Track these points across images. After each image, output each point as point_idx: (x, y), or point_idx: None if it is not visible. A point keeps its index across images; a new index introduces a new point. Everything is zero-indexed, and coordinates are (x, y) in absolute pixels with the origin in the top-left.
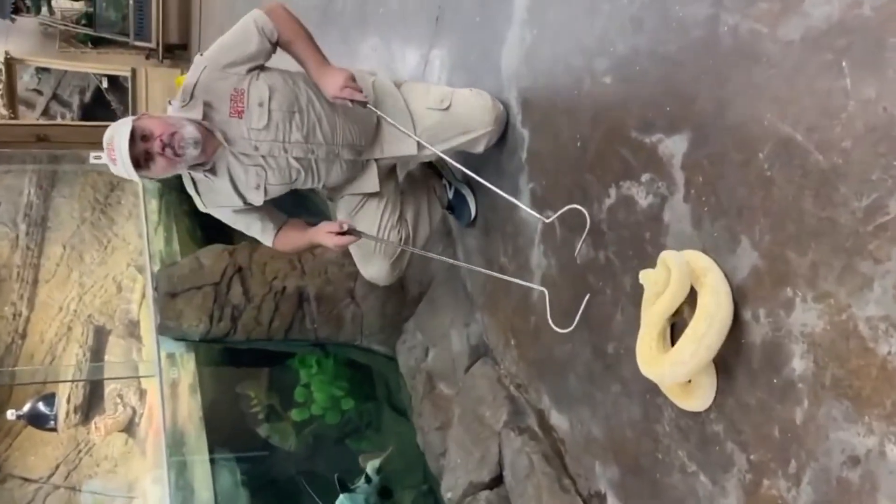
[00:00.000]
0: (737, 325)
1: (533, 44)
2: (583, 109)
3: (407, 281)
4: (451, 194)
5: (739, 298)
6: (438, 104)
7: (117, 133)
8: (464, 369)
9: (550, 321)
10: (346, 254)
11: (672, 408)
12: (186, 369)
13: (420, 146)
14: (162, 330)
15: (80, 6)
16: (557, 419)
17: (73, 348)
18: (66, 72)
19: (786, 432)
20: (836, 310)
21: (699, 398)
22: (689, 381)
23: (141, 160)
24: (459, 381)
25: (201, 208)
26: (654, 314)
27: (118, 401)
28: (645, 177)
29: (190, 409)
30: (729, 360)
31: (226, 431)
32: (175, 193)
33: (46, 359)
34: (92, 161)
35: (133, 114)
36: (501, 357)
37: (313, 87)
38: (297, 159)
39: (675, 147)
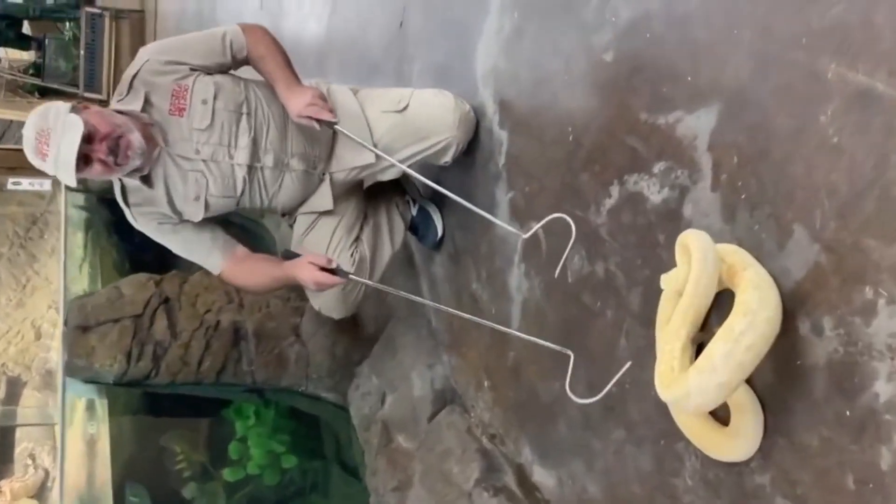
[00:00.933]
0: (789, 342)
1: (513, 31)
2: (576, 97)
3: (361, 317)
4: (414, 212)
5: (793, 307)
6: (394, 106)
7: (59, 127)
8: (427, 418)
9: (569, 390)
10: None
11: (696, 455)
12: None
13: (380, 156)
14: (70, 370)
15: (28, 56)
16: (542, 475)
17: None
18: (11, 122)
19: (865, 482)
20: None
21: (740, 443)
22: (727, 424)
23: (79, 161)
24: (422, 433)
25: (133, 223)
26: (675, 321)
27: (29, 462)
28: (658, 166)
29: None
30: (778, 389)
31: (142, 494)
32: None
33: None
34: (10, 187)
35: None
36: (472, 403)
37: (269, 93)
38: (242, 167)
39: (698, 125)
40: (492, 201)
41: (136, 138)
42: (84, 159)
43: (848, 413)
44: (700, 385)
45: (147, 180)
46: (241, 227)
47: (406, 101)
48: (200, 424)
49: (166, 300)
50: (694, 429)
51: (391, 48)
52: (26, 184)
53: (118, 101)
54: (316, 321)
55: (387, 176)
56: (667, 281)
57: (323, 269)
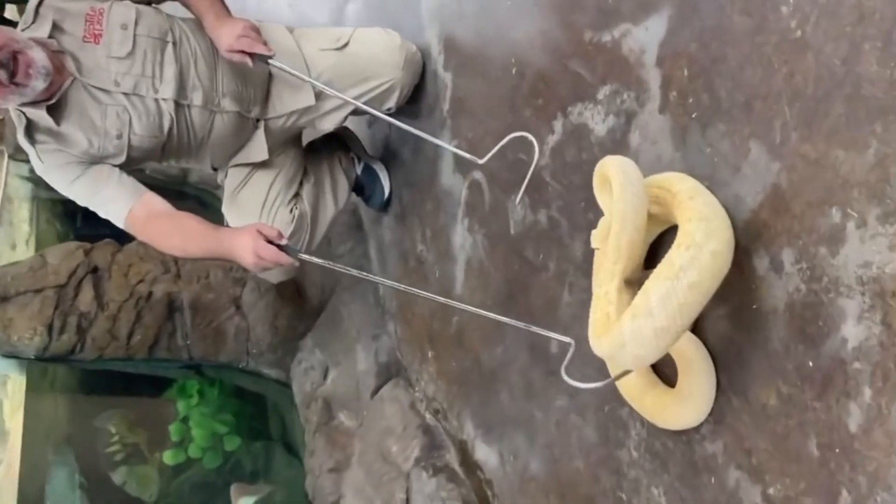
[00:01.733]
0: (745, 284)
1: None
2: (519, 25)
3: (305, 286)
4: (359, 170)
5: (750, 241)
6: (334, 44)
7: None
8: (370, 393)
9: (564, 373)
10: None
11: (643, 423)
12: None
13: (318, 97)
14: None
15: None
16: (484, 453)
17: None
18: None
19: (830, 447)
20: None
21: (688, 407)
22: (674, 387)
23: None
24: (364, 409)
25: (38, 169)
26: (607, 258)
27: None
28: (603, 91)
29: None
30: (732, 340)
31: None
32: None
33: None
34: None
35: None
36: (417, 376)
37: (195, 26)
38: (168, 102)
39: (646, 37)
40: (437, 153)
41: (38, 56)
42: None
43: (811, 364)
44: (635, 331)
45: (55, 112)
46: (197, 199)
47: (346, 39)
48: (141, 404)
49: (95, 270)
50: (636, 393)
51: None
52: None
53: (22, 29)
54: (257, 292)
55: (326, 123)
56: (597, 236)
57: (269, 242)
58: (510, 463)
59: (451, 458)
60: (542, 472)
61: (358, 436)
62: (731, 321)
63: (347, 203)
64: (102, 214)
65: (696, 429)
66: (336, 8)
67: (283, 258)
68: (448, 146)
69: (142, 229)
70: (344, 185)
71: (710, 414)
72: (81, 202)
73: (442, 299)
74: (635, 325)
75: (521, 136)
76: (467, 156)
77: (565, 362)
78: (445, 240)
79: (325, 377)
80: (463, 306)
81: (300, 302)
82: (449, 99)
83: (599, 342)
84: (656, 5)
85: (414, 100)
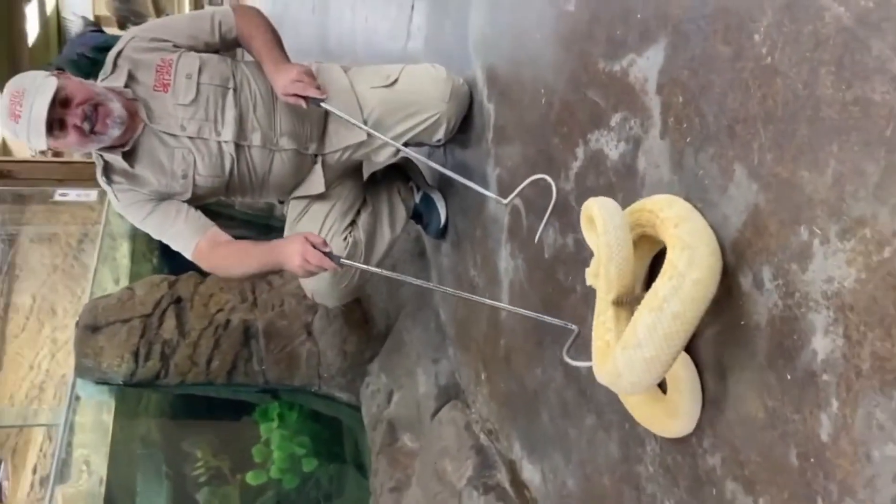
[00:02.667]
0: (733, 302)
1: None
2: (546, 55)
3: (371, 313)
4: (418, 198)
5: (736, 260)
6: (384, 81)
7: (34, 88)
8: (430, 415)
9: (566, 354)
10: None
11: (656, 440)
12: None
13: (370, 134)
14: (80, 371)
15: None
16: (530, 472)
17: (45, 413)
18: None
19: (806, 456)
20: (874, 244)
21: (676, 422)
22: (666, 394)
23: (54, 126)
24: (425, 431)
25: (115, 206)
26: (600, 289)
27: (83, 468)
28: (616, 118)
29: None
30: (724, 356)
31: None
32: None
33: (16, 422)
34: (58, 198)
35: None
36: (473, 397)
37: (256, 71)
38: (229, 144)
39: (648, 65)
40: (484, 181)
41: (115, 107)
42: (59, 124)
43: (789, 377)
44: (627, 362)
45: (129, 158)
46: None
47: (395, 76)
48: (224, 428)
49: (178, 300)
50: (633, 404)
51: (400, 37)
52: (74, 195)
53: (102, 79)
54: (326, 319)
55: (381, 156)
56: (590, 273)
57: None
58: (551, 481)
59: (502, 477)
60: (576, 489)
61: (419, 457)
62: (722, 338)
63: (406, 231)
64: (173, 247)
65: (699, 443)
66: (402, 44)
67: (327, 262)
68: (476, 187)
69: (206, 259)
70: (401, 213)
71: (710, 428)
72: (154, 235)
73: (487, 301)
74: (626, 356)
75: (541, 178)
76: (492, 196)
77: (567, 346)
78: (493, 265)
79: (389, 400)
80: (509, 307)
81: (367, 328)
82: (493, 128)
83: (599, 372)
84: (655, 36)
85: (464, 130)
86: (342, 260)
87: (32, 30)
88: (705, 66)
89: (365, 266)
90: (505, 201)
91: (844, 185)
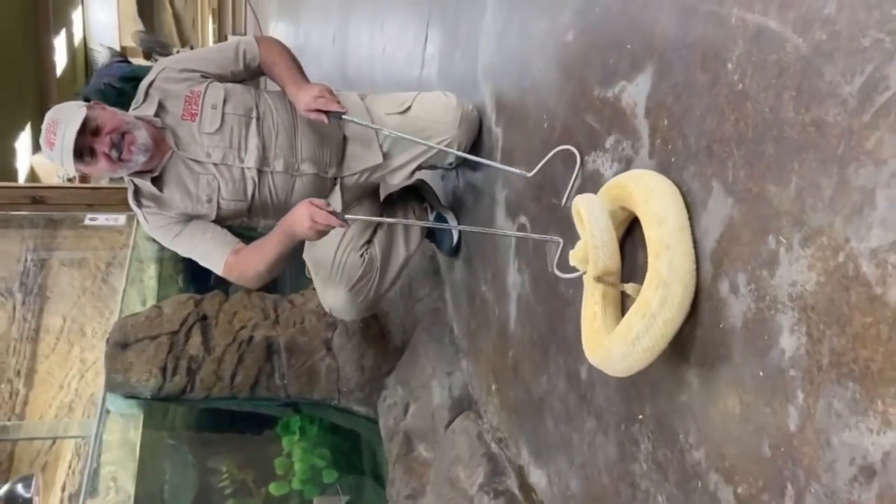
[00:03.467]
0: (712, 306)
1: (504, 25)
2: (548, 81)
3: (388, 328)
4: (431, 217)
5: (715, 267)
6: (398, 107)
7: (66, 117)
8: (444, 426)
9: (555, 268)
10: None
11: (649, 438)
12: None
13: (386, 156)
14: (110, 386)
15: None
16: (537, 476)
17: (73, 428)
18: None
19: (777, 446)
20: (830, 251)
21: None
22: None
23: (84, 154)
24: (439, 441)
25: (145, 227)
26: (588, 272)
27: (111, 485)
28: (610, 141)
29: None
30: (705, 356)
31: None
32: (173, 258)
33: (46, 442)
34: (87, 222)
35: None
36: (485, 408)
37: (278, 100)
38: (251, 170)
39: (637, 92)
40: (493, 200)
41: (140, 135)
42: (90, 152)
43: (761, 374)
44: (623, 354)
45: (158, 182)
46: None
47: (409, 103)
48: (248, 441)
49: (204, 318)
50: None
51: (415, 65)
52: (102, 219)
53: (134, 108)
54: (345, 335)
55: (396, 178)
56: (573, 256)
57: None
58: (556, 484)
59: (511, 483)
60: (579, 490)
61: (434, 466)
62: (704, 340)
63: (422, 250)
64: (202, 264)
65: (686, 438)
66: (417, 72)
67: (333, 220)
68: (499, 165)
69: (235, 270)
70: (416, 232)
71: (695, 423)
72: (183, 254)
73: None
74: (623, 350)
75: (566, 150)
76: (516, 171)
77: (555, 259)
78: (502, 280)
79: (405, 412)
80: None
81: (384, 343)
82: (500, 150)
83: (592, 355)
84: (643, 64)
85: (474, 152)
86: (346, 217)
87: (61, 61)
88: (687, 92)
89: (371, 218)
90: (529, 174)
91: (805, 197)
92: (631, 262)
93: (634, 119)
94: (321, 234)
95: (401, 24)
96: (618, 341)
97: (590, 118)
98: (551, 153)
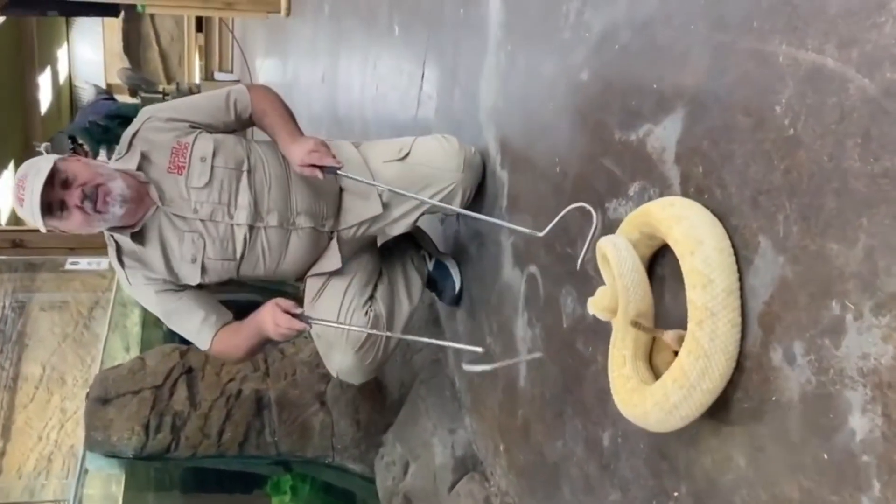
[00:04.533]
0: (763, 376)
1: (508, 65)
2: (559, 124)
3: (385, 381)
4: (431, 266)
5: (765, 333)
6: (396, 154)
7: (33, 170)
8: (447, 488)
9: (465, 365)
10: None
11: None
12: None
13: (386, 206)
14: (90, 444)
15: None
16: None
17: (53, 484)
18: None
19: None
20: None
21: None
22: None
23: (55, 208)
24: None
25: (126, 288)
26: (617, 325)
27: None
28: (634, 188)
29: None
30: (756, 434)
31: None
32: None
33: (23, 496)
34: (69, 266)
35: None
36: (491, 469)
37: (269, 150)
38: (241, 227)
39: (666, 136)
40: (499, 247)
41: (116, 186)
42: (60, 206)
43: (826, 456)
44: (660, 420)
45: (139, 238)
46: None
47: (408, 149)
48: (238, 502)
49: (189, 370)
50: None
51: (410, 106)
52: (84, 263)
53: (116, 159)
54: (339, 388)
55: (396, 230)
56: (594, 304)
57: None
58: None
59: None
60: None
61: None
62: (754, 413)
63: (422, 299)
64: (187, 338)
65: None
66: (413, 113)
67: (296, 324)
68: (507, 224)
69: (219, 355)
70: (417, 282)
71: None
72: (164, 321)
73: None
74: (661, 416)
75: (580, 207)
76: (525, 231)
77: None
78: (509, 333)
79: (405, 472)
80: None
81: (381, 396)
82: (506, 195)
83: (627, 410)
84: (672, 106)
85: (477, 199)
86: (311, 320)
87: (45, 98)
88: (726, 137)
89: (337, 324)
90: (540, 234)
91: (877, 259)
92: (656, 299)
93: (662, 165)
94: (287, 336)
95: (395, 61)
96: (654, 409)
97: (609, 163)
98: (565, 211)
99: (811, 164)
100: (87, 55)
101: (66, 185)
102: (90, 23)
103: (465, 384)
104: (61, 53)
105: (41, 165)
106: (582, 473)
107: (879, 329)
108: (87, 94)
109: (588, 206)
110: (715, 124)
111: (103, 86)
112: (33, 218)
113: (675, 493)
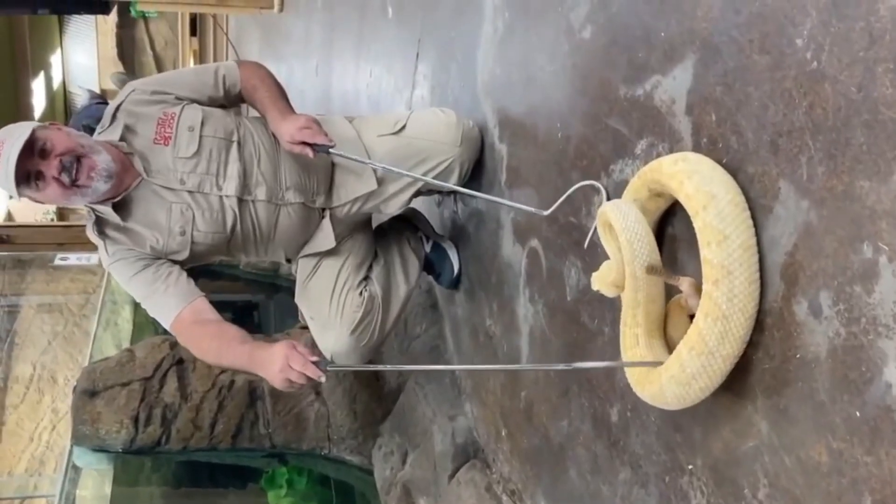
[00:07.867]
0: (785, 333)
1: (505, 32)
2: (560, 86)
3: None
4: (428, 248)
5: (787, 285)
6: (391, 128)
7: (10, 137)
8: (448, 476)
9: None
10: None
11: (703, 492)
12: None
13: (381, 182)
14: (77, 438)
15: None
16: None
17: (45, 485)
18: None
19: (883, 502)
20: None
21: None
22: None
23: (32, 177)
24: (442, 494)
25: (104, 262)
26: (626, 306)
27: None
28: (641, 145)
29: None
30: (778, 395)
31: None
32: None
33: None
34: (57, 262)
35: None
36: (493, 455)
37: (259, 124)
38: (231, 199)
39: (675, 86)
40: (498, 224)
41: (102, 160)
42: (37, 175)
43: (857, 414)
44: (678, 395)
45: (121, 210)
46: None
47: (403, 122)
48: (229, 496)
49: (180, 361)
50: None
51: (405, 88)
52: (73, 259)
53: (99, 132)
54: (335, 377)
55: (391, 207)
56: (598, 279)
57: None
58: None
59: None
60: None
61: None
62: (775, 373)
63: (420, 282)
64: (152, 314)
65: (754, 494)
66: (408, 95)
67: (312, 369)
68: (512, 203)
69: (184, 333)
70: (414, 263)
71: (766, 479)
72: (137, 298)
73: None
74: (678, 390)
75: (588, 185)
76: (531, 209)
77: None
78: (510, 312)
79: (403, 462)
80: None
81: (378, 385)
82: (505, 169)
83: (641, 389)
84: (681, 53)
85: (475, 175)
86: (329, 367)
87: (39, 103)
88: (741, 80)
89: (356, 367)
90: (546, 212)
91: None
92: (668, 263)
93: (672, 118)
94: (291, 385)
95: (389, 44)
96: (670, 383)
97: (614, 122)
98: (572, 189)
99: (837, 97)
100: (80, 60)
101: (45, 154)
102: (84, 28)
103: (466, 370)
104: (55, 59)
105: (19, 132)
106: (589, 453)
107: None
108: (81, 100)
109: (597, 184)
110: (728, 68)
111: (97, 90)
112: (5, 184)
113: (690, 467)
